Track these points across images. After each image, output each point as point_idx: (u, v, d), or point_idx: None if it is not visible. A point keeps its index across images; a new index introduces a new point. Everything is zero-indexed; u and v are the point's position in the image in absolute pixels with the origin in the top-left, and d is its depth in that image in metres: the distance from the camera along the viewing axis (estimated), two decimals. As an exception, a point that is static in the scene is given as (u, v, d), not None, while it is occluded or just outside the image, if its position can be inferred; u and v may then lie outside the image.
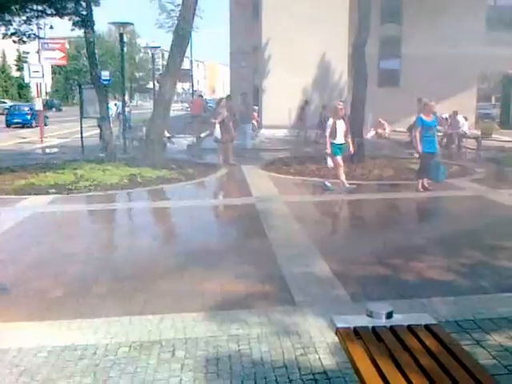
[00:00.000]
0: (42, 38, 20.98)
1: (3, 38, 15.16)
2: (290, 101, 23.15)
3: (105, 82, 18.47)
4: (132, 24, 18.77)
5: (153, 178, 11.82)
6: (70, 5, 14.89)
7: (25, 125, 32.19)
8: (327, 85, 24.62)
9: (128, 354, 3.90)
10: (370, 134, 20.94)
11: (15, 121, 33.03)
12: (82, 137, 18.31)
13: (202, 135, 21.50)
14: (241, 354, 3.90)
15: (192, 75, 46.22)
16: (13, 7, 13.53)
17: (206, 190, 11.99)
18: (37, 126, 27.34)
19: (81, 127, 18.67)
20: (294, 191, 11.34)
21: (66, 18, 15.35)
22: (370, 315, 3.21)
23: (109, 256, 6.87)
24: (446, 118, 19.60)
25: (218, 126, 14.47)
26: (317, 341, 4.08)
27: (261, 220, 8.33)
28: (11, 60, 67.30)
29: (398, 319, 3.18)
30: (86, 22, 15.17)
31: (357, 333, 3.08)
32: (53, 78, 74.32)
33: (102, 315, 4.62)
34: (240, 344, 4.03)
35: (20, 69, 66.78)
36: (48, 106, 45.41)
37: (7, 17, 14.26)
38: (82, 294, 5.20)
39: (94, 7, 15.43)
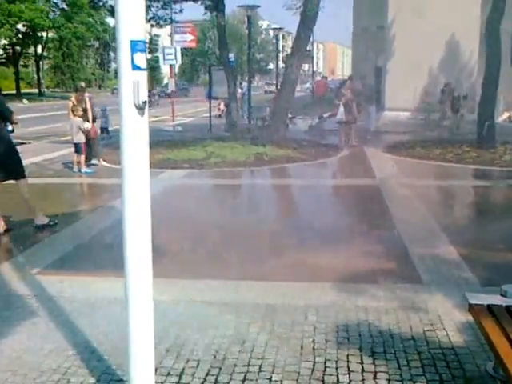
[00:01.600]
0: (176, 22, 22.07)
1: (143, 23, 16.19)
2: (414, 82, 22.47)
3: (231, 64, 19.11)
4: (259, 6, 19.21)
5: (277, 157, 12.18)
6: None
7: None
8: (456, 64, 23.55)
9: (264, 313, 4.22)
10: (502, 117, 19.79)
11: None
12: (210, 116, 19.16)
13: (325, 116, 21.59)
14: (369, 323, 4.06)
15: (312, 56, 46.12)
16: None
17: (328, 170, 12.15)
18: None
19: (210, 107, 19.54)
20: (418, 174, 11.15)
21: (199, 2, 16.13)
22: (503, 295, 3.24)
23: (237, 226, 7.30)
24: None
25: (341, 107, 14.50)
26: (445, 318, 4.13)
27: (385, 201, 8.34)
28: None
29: (532, 300, 3.19)
30: (217, 6, 15.81)
31: (490, 310, 3.13)
32: (181, 61, 77.60)
33: (239, 278, 4.99)
34: (368, 315, 4.20)
35: (152, 51, 70.50)
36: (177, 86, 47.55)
37: (147, 3, 15.30)
38: (214, 255, 5.64)
39: (226, -9, 16.01)
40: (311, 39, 42.65)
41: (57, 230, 6.77)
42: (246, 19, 20.17)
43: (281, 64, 26.74)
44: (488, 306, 3.18)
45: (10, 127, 6.79)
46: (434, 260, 5.53)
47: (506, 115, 20.45)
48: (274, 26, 38.38)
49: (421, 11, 21.96)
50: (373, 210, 8.06)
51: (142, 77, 2.62)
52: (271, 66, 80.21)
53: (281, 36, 70.98)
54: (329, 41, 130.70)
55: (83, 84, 12.54)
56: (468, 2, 21.94)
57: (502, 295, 3.26)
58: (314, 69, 55.13)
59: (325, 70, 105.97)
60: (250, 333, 3.90)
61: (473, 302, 3.27)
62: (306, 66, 64.81)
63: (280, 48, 62.71)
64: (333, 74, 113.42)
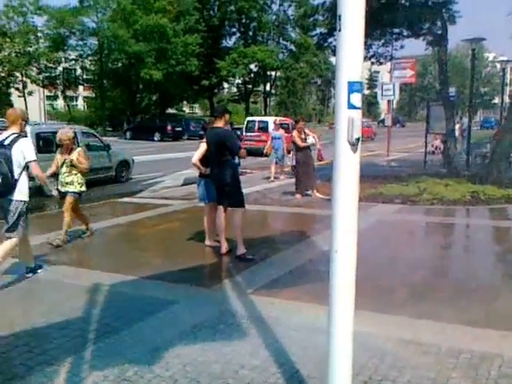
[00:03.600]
0: (396, 59, 22.19)
1: (364, 60, 16.72)
2: None
3: (452, 99, 18.49)
4: (484, 39, 18.32)
5: (497, 197, 11.39)
6: (426, 25, 15.52)
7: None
8: None
9: (469, 359, 4.04)
10: None
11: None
12: (425, 151, 18.72)
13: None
14: None
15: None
16: (374, 33, 14.94)
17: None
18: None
19: (425, 142, 19.12)
20: None
21: (421, 38, 16.05)
22: None
23: (445, 266, 7.06)
24: None
25: None
26: None
27: None
28: (363, 79, 72.55)
29: None
30: (439, 41, 15.54)
31: None
32: (399, 96, 77.26)
33: (442, 320, 4.84)
34: None
35: (371, 87, 71.42)
36: (394, 121, 47.62)
37: (369, 41, 15.78)
38: (423, 295, 5.53)
39: (448, 25, 15.68)
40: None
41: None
42: (469, 52, 19.38)
43: (507, 98, 25.03)
44: None
45: (237, 160, 7.50)
46: None
47: None
48: (500, 59, 36.03)
49: None
50: None
51: (357, 115, 2.80)
52: (496, 99, 75.11)
53: (508, 68, 66.37)
54: None
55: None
56: None
57: None
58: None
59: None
60: (451, 378, 3.77)
61: None
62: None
63: (507, 81, 58.58)
64: None
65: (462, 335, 4.54)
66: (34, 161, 5.84)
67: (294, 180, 12.80)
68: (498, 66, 51.42)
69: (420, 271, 6.53)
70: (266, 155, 15.94)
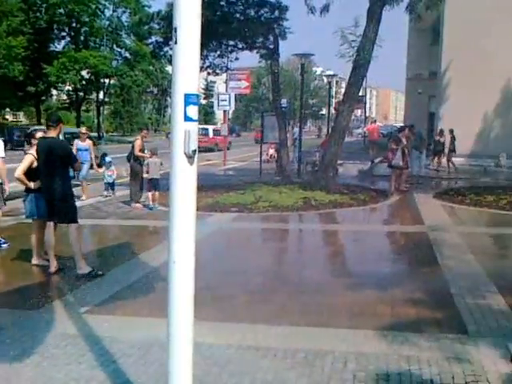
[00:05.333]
0: (231, 70, 22.87)
1: (200, 71, 17.02)
2: (467, 128, 22.24)
3: (284, 110, 19.53)
4: (313, 55, 19.69)
5: (325, 202, 12.24)
6: (260, 39, 16.26)
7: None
8: (511, 111, 23.22)
9: (304, 358, 4.26)
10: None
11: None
12: (260, 160, 19.52)
13: (376, 161, 21.61)
14: (411, 373, 4.03)
15: (365, 102, 46.34)
16: (210, 44, 15.29)
17: (377, 216, 12.10)
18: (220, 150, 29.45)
19: (260, 152, 19.92)
20: (468, 222, 10.95)
21: (255, 51, 16.77)
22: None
23: (282, 270, 7.40)
24: None
25: (399, 152, 14.50)
26: (489, 370, 4.05)
27: (433, 249, 8.25)
28: (199, 89, 73.42)
29: None
30: (272, 55, 16.36)
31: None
32: (235, 106, 79.49)
33: (280, 323, 5.06)
34: (410, 364, 4.17)
35: (208, 96, 72.47)
36: (230, 131, 48.77)
37: (205, 52, 16.09)
38: (261, 300, 5.72)
39: (280, 40, 16.58)
40: (364, 85, 43.08)
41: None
42: (299, 66, 20.67)
43: (333, 110, 27.10)
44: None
45: (71, 173, 7.12)
46: (480, 310, 5.42)
47: None
48: (327, 73, 38.91)
49: (474, 57, 21.93)
50: (420, 258, 7.98)
51: (194, 127, 2.82)
52: (324, 111, 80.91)
53: (334, 82, 71.85)
54: (382, 86, 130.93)
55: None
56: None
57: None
58: (367, 114, 55.21)
59: (377, 116, 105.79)
60: (289, 378, 3.94)
61: (515, 353, 3.22)
62: (358, 112, 65.12)
63: (333, 94, 63.37)
64: (386, 119, 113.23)
65: (297, 336, 4.78)
66: None
67: (128, 191, 12.49)
68: (325, 79, 55.35)
69: (258, 277, 6.77)
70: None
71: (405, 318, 5.23)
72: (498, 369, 4.04)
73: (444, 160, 20.29)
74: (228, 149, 35.06)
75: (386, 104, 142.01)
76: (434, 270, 7.03)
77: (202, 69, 17.02)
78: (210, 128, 37.89)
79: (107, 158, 13.99)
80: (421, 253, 8.26)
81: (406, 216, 12.10)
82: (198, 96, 2.88)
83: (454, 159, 20.33)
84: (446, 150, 20.18)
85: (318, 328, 4.95)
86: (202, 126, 34.66)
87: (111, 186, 13.40)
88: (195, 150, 2.82)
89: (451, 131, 20.45)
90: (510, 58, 21.67)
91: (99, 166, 14.29)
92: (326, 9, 16.21)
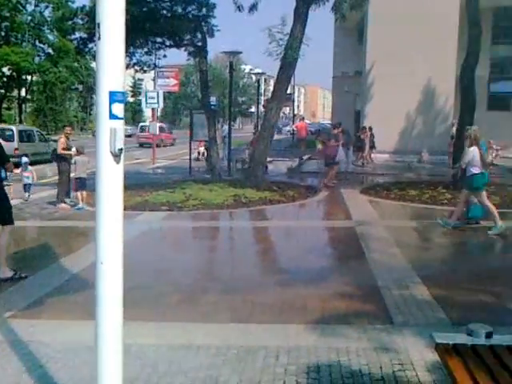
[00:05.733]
0: (159, 67, 22.55)
1: (127, 68, 16.66)
2: (392, 126, 23.05)
3: (213, 107, 19.47)
4: (241, 53, 19.72)
5: (255, 199, 12.33)
6: (187, 37, 16.13)
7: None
8: (432, 109, 24.25)
9: (237, 355, 4.27)
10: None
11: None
12: (190, 158, 19.38)
13: (305, 158, 21.99)
14: (340, 364, 4.13)
15: (293, 100, 47.06)
16: (137, 41, 15.00)
17: (306, 212, 12.31)
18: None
19: (190, 150, 19.78)
20: (393, 216, 11.34)
21: (182, 48, 16.61)
22: (470, 334, 3.30)
23: (213, 268, 7.39)
24: None
25: (341, 148, 14.81)
26: (415, 359, 4.22)
27: (360, 243, 8.49)
28: (127, 87, 71.83)
29: (498, 339, 3.26)
30: (200, 52, 16.26)
31: (456, 350, 3.19)
32: (163, 104, 78.44)
33: (212, 320, 5.05)
34: (340, 356, 4.27)
35: (135, 95, 71.20)
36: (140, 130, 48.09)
37: (131, 49, 15.78)
38: (192, 299, 5.69)
39: (208, 38, 16.51)
40: (292, 83, 43.74)
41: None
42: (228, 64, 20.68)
43: (262, 107, 27.32)
44: (454, 345, 3.24)
45: (3, 174, 6.81)
46: (406, 301, 5.63)
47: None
48: (256, 71, 39.25)
49: (397, 58, 22.73)
50: (348, 252, 8.20)
51: (119, 126, 2.75)
52: (253, 108, 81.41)
53: (263, 80, 72.41)
54: (310, 84, 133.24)
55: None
56: (444, 49, 22.76)
57: (468, 334, 3.32)
58: (295, 112, 56.10)
59: (306, 113, 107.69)
60: (221, 375, 3.94)
61: (439, 341, 3.32)
62: (287, 109, 66.01)
63: (262, 91, 63.90)
64: (314, 116, 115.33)
65: (230, 332, 4.78)
66: None
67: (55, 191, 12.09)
68: (254, 77, 55.62)
69: (189, 276, 6.73)
70: None
71: (334, 311, 5.35)
72: (424, 357, 4.21)
73: (368, 156, 20.96)
74: (172, 145, 35.58)
75: (314, 102, 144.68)
76: (362, 263, 7.24)
77: (128, 66, 16.68)
78: (157, 125, 40.16)
79: (24, 159, 13.43)
80: (349, 247, 8.49)
81: (334, 211, 12.40)
82: (123, 94, 2.81)
83: (379, 155, 21.02)
84: (367, 147, 20.88)
85: (250, 324, 4.98)
86: (146, 124, 38.14)
87: (28, 187, 12.86)
88: (121, 149, 2.76)
89: (370, 128, 21.14)
90: (430, 59, 22.61)
91: (16, 166, 13.70)
92: (254, 7, 16.30)
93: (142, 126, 37.77)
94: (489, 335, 3.27)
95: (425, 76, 23.53)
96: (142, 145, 35.04)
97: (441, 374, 3.86)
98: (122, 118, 2.77)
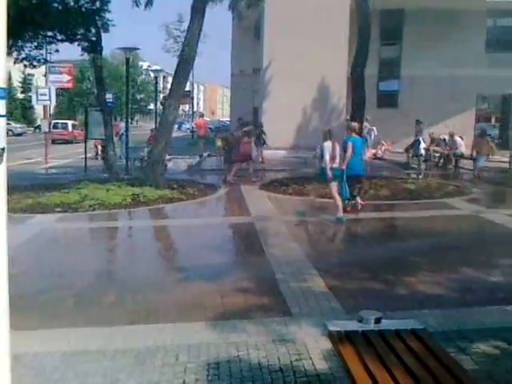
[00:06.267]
0: (51, 62, 21.50)
1: (15, 63, 15.72)
2: (289, 122, 23.59)
3: (109, 105, 18.91)
4: (138, 49, 19.29)
5: (154, 198, 12.13)
6: (81, 31, 15.49)
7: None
8: (326, 106, 25.08)
9: (135, 357, 4.18)
10: (367, 155, 21.34)
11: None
12: (85, 157, 18.71)
13: (205, 155, 21.96)
14: (240, 359, 4.18)
15: (192, 97, 46.86)
16: (26, 34, 14.17)
17: (206, 209, 12.30)
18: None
19: (85, 148, 19.10)
20: (290, 211, 11.60)
21: (76, 43, 15.94)
22: (360, 320, 3.47)
23: (111, 270, 7.20)
24: (444, 139, 20.01)
25: (253, 145, 14.91)
26: (311, 348, 4.36)
27: (259, 238, 8.63)
28: (15, 82, 67.93)
29: (387, 324, 3.45)
30: (94, 48, 15.71)
31: (348, 336, 3.33)
32: (57, 100, 75.04)
33: (109, 324, 4.91)
34: (239, 350, 4.31)
35: (25, 91, 67.47)
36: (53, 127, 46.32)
37: (20, 43, 14.87)
38: (88, 302, 5.51)
39: (102, 33, 15.97)
40: (191, 80, 43.53)
41: None
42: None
43: (160, 105, 26.95)
44: (346, 332, 3.38)
45: None
46: (303, 293, 5.80)
47: (370, 152, 22.19)
48: (153, 68, 38.66)
49: (294, 56, 23.30)
50: (247, 248, 8.32)
51: (1, 123, 2.60)
52: (152, 106, 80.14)
53: (161, 77, 71.36)
54: (210, 81, 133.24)
55: None
56: (336, 48, 23.62)
57: (359, 321, 3.48)
58: (195, 109, 55.87)
59: (205, 111, 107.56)
60: (119, 380, 3.85)
61: (332, 329, 3.45)
62: (186, 107, 65.56)
63: (160, 89, 62.99)
64: (213, 114, 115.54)
65: (127, 335, 4.68)
66: None
67: None
68: (152, 74, 54.66)
69: (85, 279, 6.49)
70: None
71: (234, 307, 5.40)
72: (319, 346, 4.35)
73: (266, 152, 21.31)
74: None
75: (214, 99, 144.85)
76: (261, 258, 7.36)
77: (17, 61, 15.75)
78: (69, 122, 42.44)
79: None
80: (248, 242, 8.61)
81: (234, 208, 12.50)
82: (4, 90, 2.67)
83: (278, 152, 21.41)
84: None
85: (149, 325, 4.91)
86: (61, 121, 41.25)
87: None
88: (3, 148, 2.61)
89: (259, 125, 21.54)
90: (324, 57, 23.36)
91: None
92: (149, 2, 16.03)
93: (55, 124, 37.83)
94: (378, 321, 3.44)
95: (319, 74, 24.26)
96: (54, 141, 33.41)
97: (336, 360, 4.01)
98: (3, 116, 2.64)
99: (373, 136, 22.89)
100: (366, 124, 23.36)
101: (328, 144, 9.88)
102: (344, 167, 10.11)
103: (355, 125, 11.02)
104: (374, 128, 22.88)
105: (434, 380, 2.81)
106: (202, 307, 5.37)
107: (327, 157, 9.78)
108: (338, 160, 9.94)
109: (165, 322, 4.97)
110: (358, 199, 10.87)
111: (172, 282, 6.40)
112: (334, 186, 9.98)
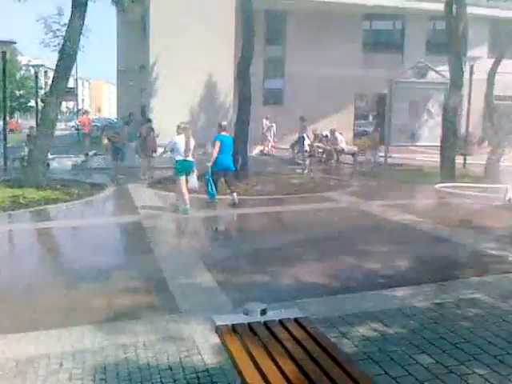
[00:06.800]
0: None
1: None
2: (176, 119, 23.40)
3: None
4: (15, 43, 18.19)
5: (36, 199, 11.55)
6: None
7: None
8: (213, 104, 25.23)
9: (15, 367, 3.98)
10: (255, 151, 21.81)
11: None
12: (-43, 158, 17.40)
13: (90, 153, 21.23)
14: (128, 361, 4.11)
15: (77, 94, 45.04)
16: None
17: (91, 209, 11.90)
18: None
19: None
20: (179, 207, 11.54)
21: None
22: (246, 313, 3.55)
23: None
24: (326, 135, 20.88)
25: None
26: (200, 343, 4.39)
27: (148, 236, 8.53)
28: None
29: (272, 315, 3.55)
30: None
31: (234, 329, 3.40)
32: None
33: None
34: (127, 352, 4.24)
35: None
36: None
37: None
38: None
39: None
40: (75, 76, 41.77)
41: None
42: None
43: (40, 101, 25.61)
44: (233, 325, 3.44)
45: None
46: (192, 289, 5.82)
47: (259, 149, 22.71)
48: (34, 62, 36.56)
49: (181, 53, 23.18)
50: (134, 246, 8.19)
51: None
52: (32, 103, 76.06)
53: (42, 72, 67.78)
54: (95, 78, 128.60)
55: None
56: (223, 46, 23.81)
57: (245, 314, 3.55)
58: (80, 106, 53.72)
59: (92, 108, 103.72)
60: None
61: (219, 323, 3.49)
62: (71, 104, 62.88)
63: (42, 85, 59.89)
64: (100, 111, 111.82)
65: (9, 344, 4.43)
66: None
67: None
68: (32, 69, 51.91)
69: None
70: None
71: (121, 308, 5.30)
72: (208, 341, 4.39)
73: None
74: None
75: (100, 96, 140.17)
76: (149, 256, 7.28)
77: None
78: None
79: None
80: (136, 241, 8.48)
81: (122, 206, 12.19)
82: None
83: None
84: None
85: (31, 333, 4.66)
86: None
87: None
88: None
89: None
90: (211, 55, 23.46)
91: None
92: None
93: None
94: (263, 312, 3.54)
95: (207, 71, 24.34)
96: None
97: (225, 355, 4.07)
98: None
99: (272, 132, 23.52)
100: (265, 121, 23.97)
101: (181, 138, 10.40)
102: (210, 164, 10.92)
103: (225, 124, 11.73)
104: (274, 125, 23.49)
105: (315, 363, 2.95)
106: (88, 310, 5.22)
107: (178, 151, 10.32)
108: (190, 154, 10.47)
109: (48, 328, 4.76)
110: (235, 195, 11.22)
111: (55, 286, 6.14)
112: (182, 179, 10.38)
